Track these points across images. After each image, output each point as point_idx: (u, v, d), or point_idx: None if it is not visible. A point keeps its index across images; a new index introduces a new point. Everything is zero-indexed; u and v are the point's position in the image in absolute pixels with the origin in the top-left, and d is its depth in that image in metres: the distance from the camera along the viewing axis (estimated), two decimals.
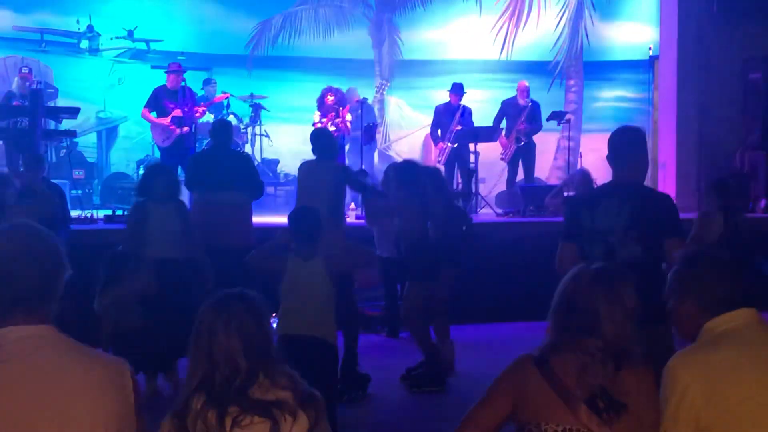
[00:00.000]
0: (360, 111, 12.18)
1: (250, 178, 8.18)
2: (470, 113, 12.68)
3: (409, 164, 7.79)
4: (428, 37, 15.27)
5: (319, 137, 7.83)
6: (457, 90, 12.58)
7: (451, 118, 12.45)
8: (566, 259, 4.47)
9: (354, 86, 13.37)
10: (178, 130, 10.92)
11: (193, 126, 11.05)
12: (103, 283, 6.68)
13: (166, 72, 11.14)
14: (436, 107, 12.87)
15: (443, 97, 12.94)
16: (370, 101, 13.54)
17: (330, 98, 11.38)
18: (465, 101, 12.70)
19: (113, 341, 6.58)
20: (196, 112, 11.16)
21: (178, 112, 10.90)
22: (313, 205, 6.46)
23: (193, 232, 7.20)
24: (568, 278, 2.99)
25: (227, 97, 12.61)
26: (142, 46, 14.25)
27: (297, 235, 5.74)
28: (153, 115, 11.11)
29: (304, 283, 5.65)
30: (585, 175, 9.81)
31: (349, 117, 11.67)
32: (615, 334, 2.86)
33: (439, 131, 12.67)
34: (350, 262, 6.24)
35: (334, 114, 11.41)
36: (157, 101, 11.03)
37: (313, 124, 11.20)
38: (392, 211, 7.51)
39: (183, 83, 11.06)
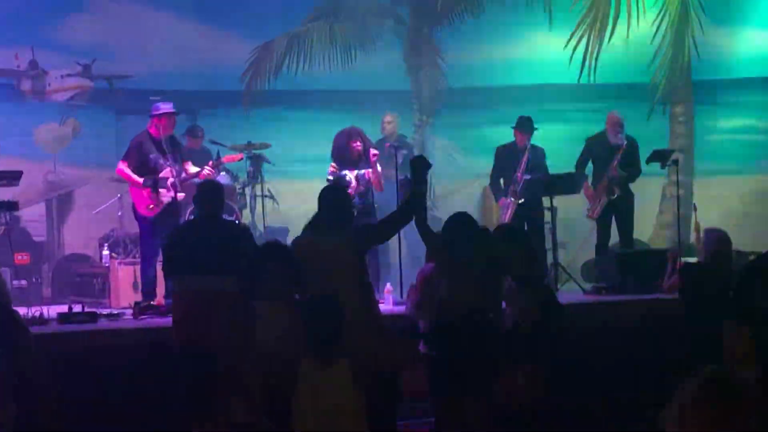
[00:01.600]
0: (395, 155, 12.07)
1: (249, 259, 7.97)
2: (543, 155, 12.59)
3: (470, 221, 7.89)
4: (481, 57, 15.35)
5: (327, 197, 7.73)
6: (525, 126, 12.39)
7: (518, 164, 12.34)
8: (736, 347, 4.60)
9: (394, 114, 13.44)
10: (168, 196, 10.84)
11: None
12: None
13: (153, 116, 10.97)
14: (497, 149, 12.71)
15: (506, 135, 12.75)
16: (407, 139, 13.62)
17: (356, 145, 11.16)
18: (535, 140, 12.55)
19: None
20: (189, 172, 11.14)
21: (168, 172, 10.85)
22: (330, 289, 6.50)
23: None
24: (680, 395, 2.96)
25: (241, 158, 12.44)
26: (103, 84, 14.49)
27: (312, 333, 5.94)
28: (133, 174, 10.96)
29: (324, 395, 5.80)
30: (721, 241, 9.35)
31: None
32: None
33: (502, 181, 12.56)
34: (387, 363, 6.34)
35: (357, 166, 11.15)
36: (141, 154, 10.90)
37: (328, 181, 10.91)
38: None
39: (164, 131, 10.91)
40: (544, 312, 7.41)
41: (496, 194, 12.69)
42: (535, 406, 7.39)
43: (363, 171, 11.13)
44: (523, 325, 7.33)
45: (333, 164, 11.20)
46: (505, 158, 12.54)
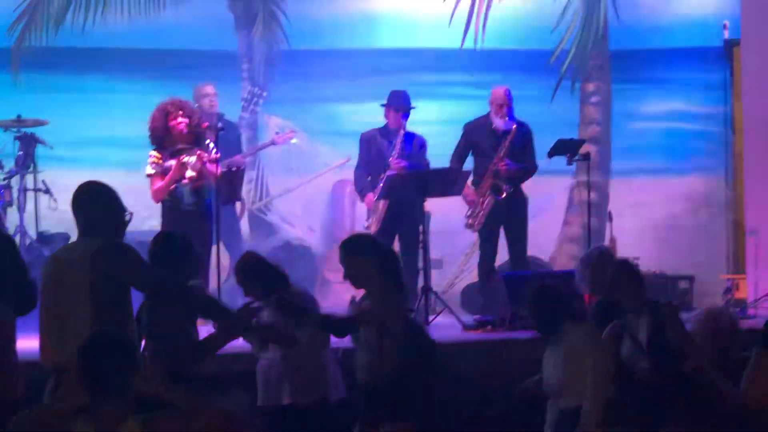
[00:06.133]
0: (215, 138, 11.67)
1: (10, 277, 7.68)
2: (422, 145, 12.52)
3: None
4: (333, 11, 15.16)
5: (84, 197, 7.65)
6: (401, 102, 12.32)
7: (390, 150, 12.28)
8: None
9: (208, 83, 13.35)
10: None
11: None
12: None
13: None
14: (362, 136, 12.60)
15: (373, 116, 12.76)
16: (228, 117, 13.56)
17: (178, 124, 10.96)
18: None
19: None
20: None
21: None
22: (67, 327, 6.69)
23: None
24: None
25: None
26: None
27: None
28: None
29: None
30: (603, 257, 9.50)
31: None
32: None
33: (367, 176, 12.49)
34: None
35: (186, 154, 10.92)
36: None
37: (148, 176, 10.92)
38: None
39: None
40: (408, 355, 7.46)
41: (361, 190, 12.52)
42: None
43: (194, 156, 11.02)
44: (380, 373, 7.41)
45: (153, 152, 11.06)
46: (373, 145, 12.48)
